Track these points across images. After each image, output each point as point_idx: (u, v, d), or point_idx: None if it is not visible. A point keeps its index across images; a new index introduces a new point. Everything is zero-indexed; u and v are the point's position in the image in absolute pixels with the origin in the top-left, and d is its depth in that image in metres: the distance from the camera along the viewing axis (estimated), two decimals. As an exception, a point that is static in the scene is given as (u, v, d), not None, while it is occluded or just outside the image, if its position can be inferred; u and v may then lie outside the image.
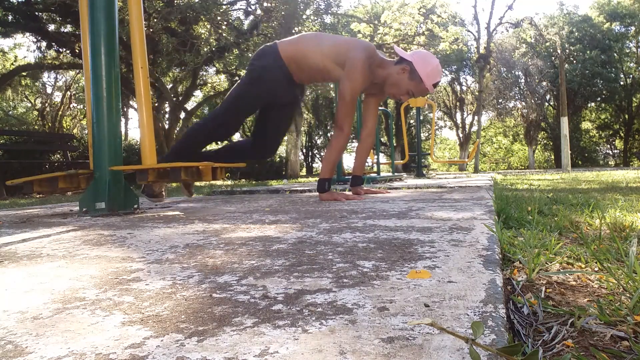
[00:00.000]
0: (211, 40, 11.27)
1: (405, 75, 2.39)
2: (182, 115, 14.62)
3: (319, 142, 31.32)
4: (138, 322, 0.56)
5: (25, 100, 22.05)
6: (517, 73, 25.52)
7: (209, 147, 2.87)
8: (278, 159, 15.67)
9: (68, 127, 20.85)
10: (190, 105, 17.37)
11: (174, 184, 7.19)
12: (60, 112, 20.56)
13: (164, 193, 2.82)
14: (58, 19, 10.48)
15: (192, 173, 2.22)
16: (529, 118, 25.60)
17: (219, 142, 3.53)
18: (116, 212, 2.06)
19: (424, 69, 2.36)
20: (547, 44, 24.64)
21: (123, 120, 21.56)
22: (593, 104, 27.91)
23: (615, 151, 30.23)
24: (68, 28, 10.83)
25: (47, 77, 21.00)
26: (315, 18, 13.60)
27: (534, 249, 1.03)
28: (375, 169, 6.35)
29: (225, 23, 11.13)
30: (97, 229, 1.54)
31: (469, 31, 24.71)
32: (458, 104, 28.11)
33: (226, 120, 2.63)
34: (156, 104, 12.31)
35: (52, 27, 10.98)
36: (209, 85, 17.93)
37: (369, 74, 2.40)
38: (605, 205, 2.01)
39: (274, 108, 2.70)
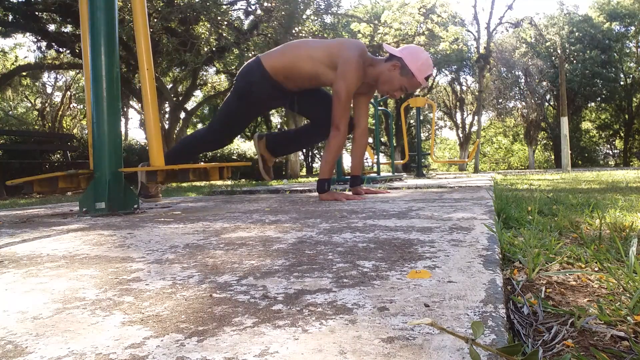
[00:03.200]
0: (211, 40, 11.27)
1: (397, 71, 2.40)
2: (182, 115, 14.62)
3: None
4: (138, 322, 0.56)
5: (25, 100, 22.05)
6: (517, 73, 25.52)
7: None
8: (278, 159, 15.67)
9: (68, 127, 20.83)
10: (190, 105, 17.37)
11: (173, 184, 7.20)
12: (60, 112, 20.55)
13: (160, 194, 2.89)
14: (58, 18, 10.48)
15: (200, 174, 2.23)
16: (529, 118, 25.60)
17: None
18: (116, 212, 2.06)
19: (415, 64, 2.37)
20: (547, 44, 24.65)
21: (123, 120, 21.57)
22: (593, 104, 27.91)
23: (615, 151, 30.23)
24: (68, 28, 10.83)
25: (47, 77, 21.02)
26: (315, 18, 13.60)
27: (534, 249, 1.03)
28: (375, 168, 6.35)
29: (225, 23, 11.12)
30: (97, 229, 1.54)
31: (469, 31, 24.72)
32: (458, 104, 28.12)
33: (221, 136, 2.77)
34: (156, 104, 12.29)
35: (52, 27, 10.98)
36: (209, 85, 17.94)
37: (362, 72, 2.41)
38: (605, 205, 2.01)
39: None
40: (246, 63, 2.66)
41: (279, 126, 27.76)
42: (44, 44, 11.49)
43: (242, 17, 12.59)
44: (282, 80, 2.50)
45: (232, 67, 13.95)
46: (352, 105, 2.71)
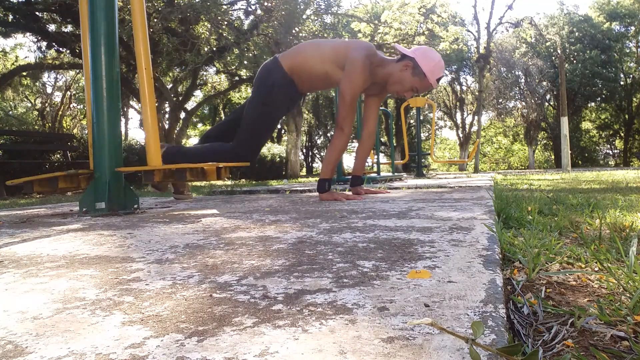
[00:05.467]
0: (211, 40, 11.27)
1: (408, 71, 2.39)
2: (182, 115, 14.62)
3: (319, 142, 31.32)
4: (138, 322, 0.56)
5: (25, 100, 22.05)
6: (517, 73, 25.52)
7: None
8: (278, 159, 15.68)
9: (68, 127, 20.84)
10: (190, 105, 17.38)
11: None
12: (60, 112, 20.56)
13: (188, 192, 2.89)
14: (58, 18, 10.47)
15: (197, 173, 2.23)
16: (529, 118, 25.60)
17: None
18: (116, 212, 2.06)
19: (427, 65, 2.36)
20: (547, 44, 24.64)
21: (123, 120, 21.57)
22: (593, 104, 27.92)
23: (615, 151, 30.24)
24: (68, 28, 10.83)
25: (47, 77, 21.02)
26: (316, 18, 13.60)
27: (534, 249, 1.03)
28: (375, 168, 6.35)
29: (225, 23, 11.12)
30: (97, 229, 1.54)
31: (469, 31, 24.71)
32: (458, 104, 28.12)
33: (252, 146, 2.62)
34: (156, 104, 12.30)
35: (52, 27, 10.98)
36: (209, 85, 17.94)
37: (369, 73, 2.40)
38: (605, 205, 2.01)
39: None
40: (263, 65, 2.66)
41: (279, 126, 27.74)
42: (44, 44, 11.49)
43: (242, 17, 12.58)
44: (297, 80, 2.54)
45: (232, 67, 13.95)
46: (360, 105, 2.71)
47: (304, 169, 28.38)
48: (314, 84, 2.58)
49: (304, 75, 2.52)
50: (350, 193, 2.69)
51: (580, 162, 27.25)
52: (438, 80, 2.42)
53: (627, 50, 26.67)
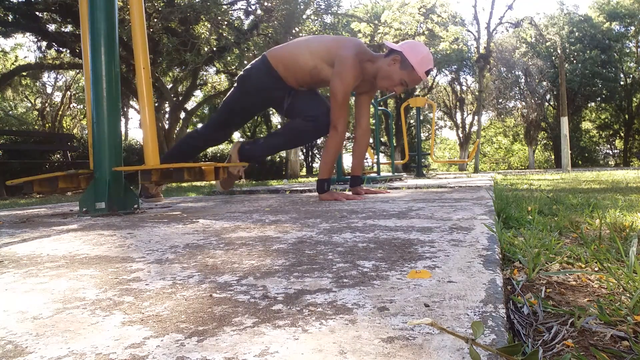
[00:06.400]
0: (211, 40, 11.27)
1: (397, 65, 2.37)
2: (182, 115, 14.63)
3: (318, 141, 31.31)
4: (138, 322, 0.56)
5: (25, 100, 22.05)
6: (517, 73, 25.52)
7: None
8: (278, 159, 15.66)
9: (68, 127, 20.86)
10: (190, 105, 17.39)
11: (174, 184, 7.19)
12: (60, 112, 20.57)
13: (161, 194, 2.89)
14: (58, 18, 10.48)
15: (195, 173, 2.22)
16: (529, 118, 25.60)
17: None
18: (116, 212, 2.06)
19: (415, 57, 2.35)
20: (547, 44, 24.64)
21: (123, 120, 21.59)
22: (593, 104, 27.94)
23: (615, 151, 30.25)
24: (68, 28, 10.83)
25: (47, 77, 21.03)
26: (316, 18, 13.61)
27: (534, 248, 1.03)
28: (375, 168, 6.35)
29: (225, 23, 11.13)
30: (97, 229, 1.54)
31: (469, 31, 24.72)
32: (458, 104, 28.13)
33: (219, 127, 2.85)
34: (156, 104, 12.33)
35: (52, 27, 10.98)
36: (209, 85, 17.95)
37: (359, 70, 2.40)
38: (605, 205, 2.01)
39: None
40: (252, 62, 2.76)
41: (279, 127, 27.74)
42: (44, 44, 11.49)
43: (242, 17, 12.59)
44: (282, 71, 2.53)
45: (232, 67, 13.95)
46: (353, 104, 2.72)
47: (304, 169, 28.38)
48: (302, 79, 2.56)
49: (292, 66, 2.52)
50: (350, 193, 2.69)
51: (580, 162, 27.26)
52: (427, 73, 2.40)
53: (627, 50, 26.68)
